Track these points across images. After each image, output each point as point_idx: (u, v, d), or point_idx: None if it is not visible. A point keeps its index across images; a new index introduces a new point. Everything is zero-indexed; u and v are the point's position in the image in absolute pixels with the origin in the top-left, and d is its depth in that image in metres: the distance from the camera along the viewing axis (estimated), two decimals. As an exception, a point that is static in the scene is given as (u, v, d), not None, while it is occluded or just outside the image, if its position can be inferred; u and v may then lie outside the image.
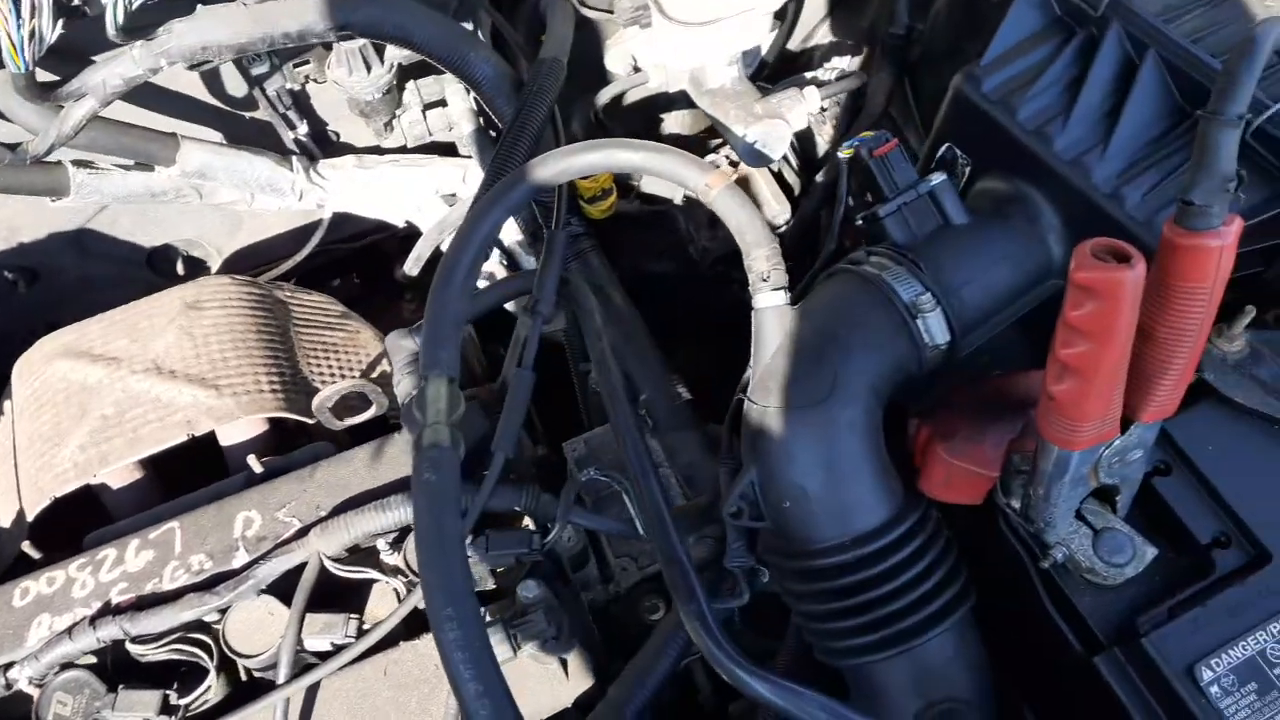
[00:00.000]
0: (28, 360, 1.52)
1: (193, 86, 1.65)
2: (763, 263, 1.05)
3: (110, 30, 1.18)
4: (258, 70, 1.58)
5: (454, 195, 1.78)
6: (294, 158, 1.72)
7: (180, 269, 1.99)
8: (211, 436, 1.39)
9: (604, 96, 1.47)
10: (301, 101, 1.71)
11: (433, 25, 1.30)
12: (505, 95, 1.33)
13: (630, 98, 1.50)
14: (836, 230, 1.16)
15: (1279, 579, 0.89)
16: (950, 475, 0.97)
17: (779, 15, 1.61)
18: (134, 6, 1.17)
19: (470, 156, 1.77)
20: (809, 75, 1.55)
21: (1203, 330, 0.80)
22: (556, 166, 1.10)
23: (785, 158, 1.80)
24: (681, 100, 1.47)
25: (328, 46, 1.56)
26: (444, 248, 1.75)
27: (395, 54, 1.55)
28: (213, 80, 1.66)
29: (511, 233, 1.71)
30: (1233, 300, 1.02)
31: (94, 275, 1.92)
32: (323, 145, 1.79)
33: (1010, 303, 1.07)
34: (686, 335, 1.71)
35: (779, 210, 1.81)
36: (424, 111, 1.68)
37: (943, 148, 1.14)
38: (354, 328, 1.60)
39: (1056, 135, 1.03)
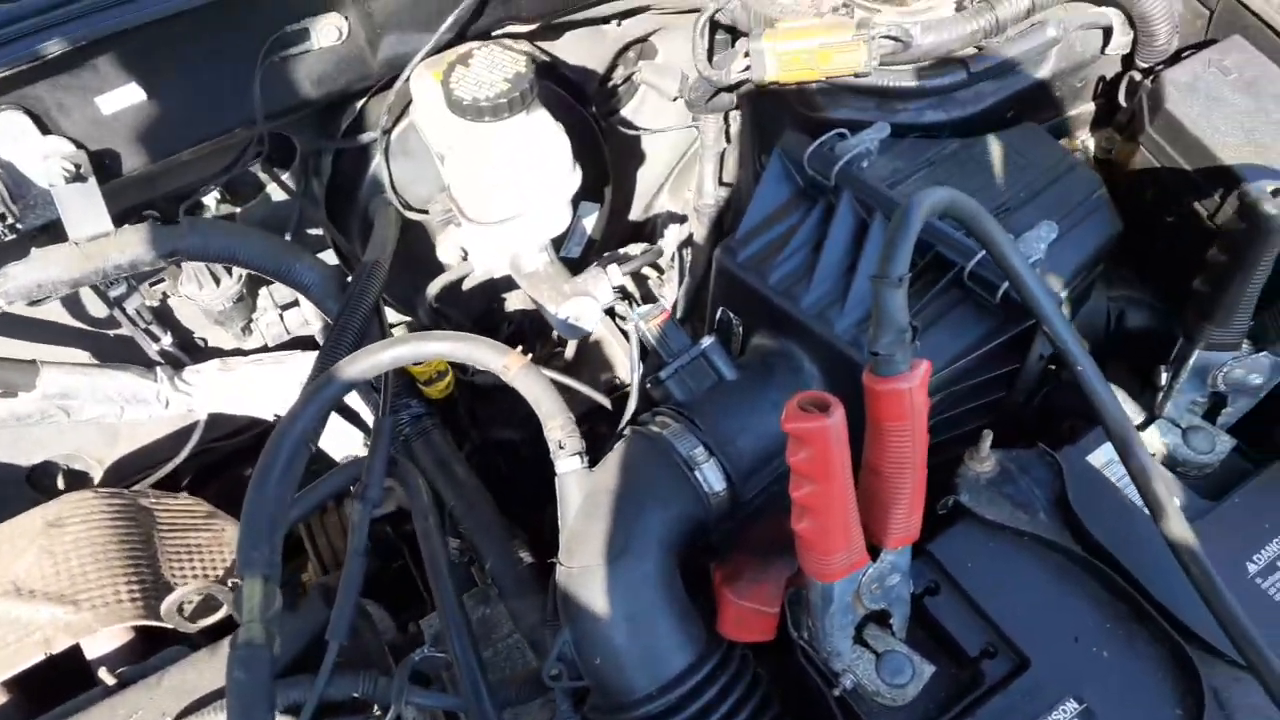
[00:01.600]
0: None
1: (54, 312, 1.67)
2: (558, 432, 1.09)
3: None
4: (115, 292, 1.61)
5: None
6: (158, 368, 1.74)
7: (61, 484, 1.97)
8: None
9: (435, 287, 1.54)
10: (162, 315, 1.75)
11: (256, 243, 1.36)
12: (332, 297, 1.39)
13: (467, 284, 1.56)
14: (635, 392, 1.21)
15: (1037, 682, 0.92)
16: (740, 615, 1.00)
17: (598, 198, 1.70)
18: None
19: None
20: (624, 251, 1.63)
21: (918, 460, 0.86)
22: (366, 363, 1.14)
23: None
24: (511, 281, 1.54)
25: (178, 264, 1.61)
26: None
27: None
28: (74, 304, 1.69)
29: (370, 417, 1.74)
30: (986, 425, 1.08)
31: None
32: (191, 352, 1.82)
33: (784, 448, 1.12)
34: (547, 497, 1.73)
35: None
36: (280, 313, 1.72)
37: (718, 311, 1.20)
38: (219, 526, 1.59)
39: (803, 294, 1.10)
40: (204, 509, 1.63)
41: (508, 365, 1.13)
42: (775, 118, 1.43)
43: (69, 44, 1.17)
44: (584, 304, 1.34)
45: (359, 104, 1.51)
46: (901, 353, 0.81)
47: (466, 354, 1.13)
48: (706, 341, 1.11)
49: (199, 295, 1.59)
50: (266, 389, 1.80)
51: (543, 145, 1.26)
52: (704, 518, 1.05)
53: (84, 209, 1.28)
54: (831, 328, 1.07)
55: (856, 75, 1.30)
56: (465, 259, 1.57)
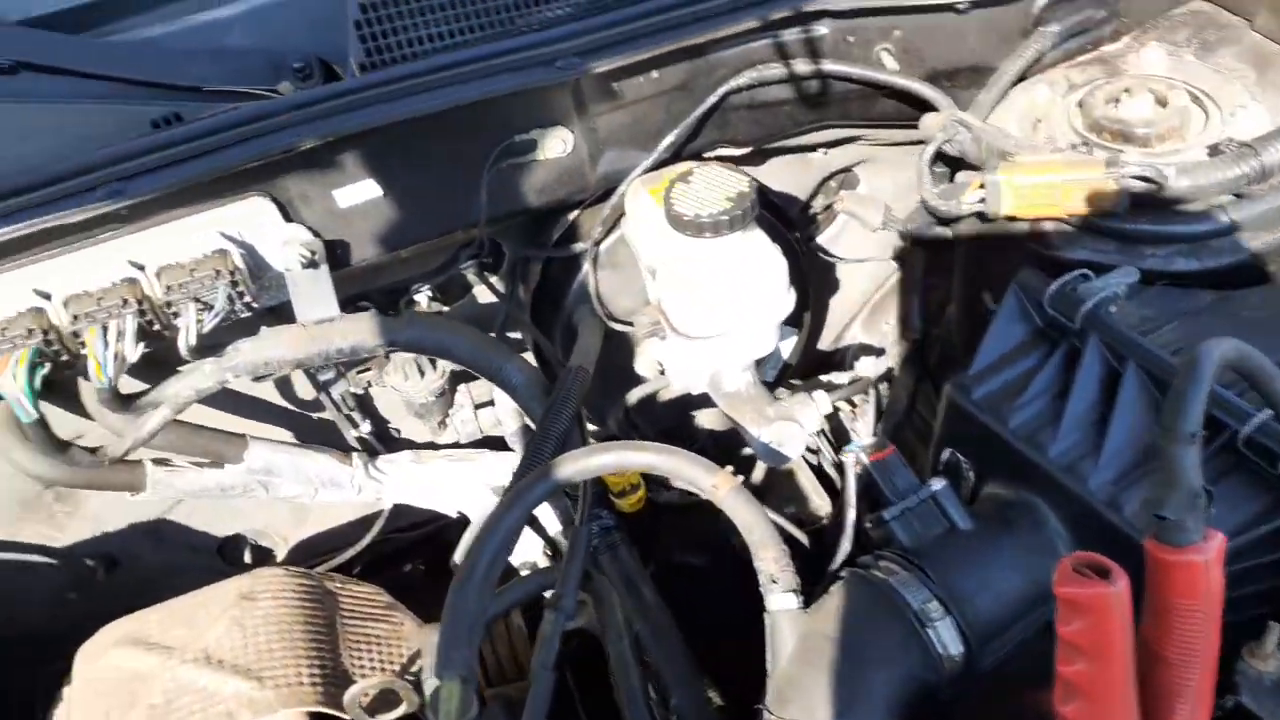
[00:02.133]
0: (88, 648, 1.51)
1: (266, 391, 1.72)
2: (771, 564, 1.02)
3: (182, 350, 1.25)
4: (324, 377, 1.64)
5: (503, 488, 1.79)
6: (355, 454, 1.75)
7: (248, 558, 2.00)
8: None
9: (633, 398, 1.50)
10: (364, 403, 1.77)
11: (470, 341, 1.36)
12: (537, 400, 1.36)
13: (661, 397, 1.52)
14: (849, 531, 1.12)
15: None
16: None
17: (796, 323, 1.65)
18: (205, 330, 1.23)
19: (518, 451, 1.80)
20: (825, 379, 1.56)
21: (1210, 649, 0.74)
22: (573, 467, 1.10)
23: (821, 452, 1.79)
24: (706, 399, 1.49)
25: (386, 356, 1.63)
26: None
27: (446, 361, 1.60)
28: (284, 385, 1.73)
29: (554, 524, 1.70)
30: (1268, 615, 0.94)
31: (169, 563, 1.93)
32: (385, 442, 1.83)
33: (1028, 611, 1.00)
34: (730, 629, 1.63)
35: (820, 504, 1.77)
36: (475, 410, 1.71)
37: (945, 452, 1.11)
38: (398, 619, 1.57)
39: (1049, 443, 1.00)
40: (384, 599, 1.61)
41: (717, 485, 1.07)
42: (1001, 254, 1.36)
43: (319, 139, 1.22)
44: (789, 430, 1.28)
45: (571, 215, 1.52)
46: (1194, 520, 0.71)
47: (674, 468, 1.08)
48: (937, 484, 1.02)
49: (404, 386, 1.61)
50: (455, 485, 1.79)
51: (760, 265, 1.22)
52: (934, 682, 0.94)
53: (314, 294, 1.32)
54: (1084, 483, 0.96)
55: (1103, 216, 1.22)
56: (662, 373, 1.53)
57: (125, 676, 1.41)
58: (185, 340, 1.25)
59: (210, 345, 1.29)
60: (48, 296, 1.23)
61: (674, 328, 1.23)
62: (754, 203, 1.22)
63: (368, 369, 1.67)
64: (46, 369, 1.23)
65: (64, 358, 1.25)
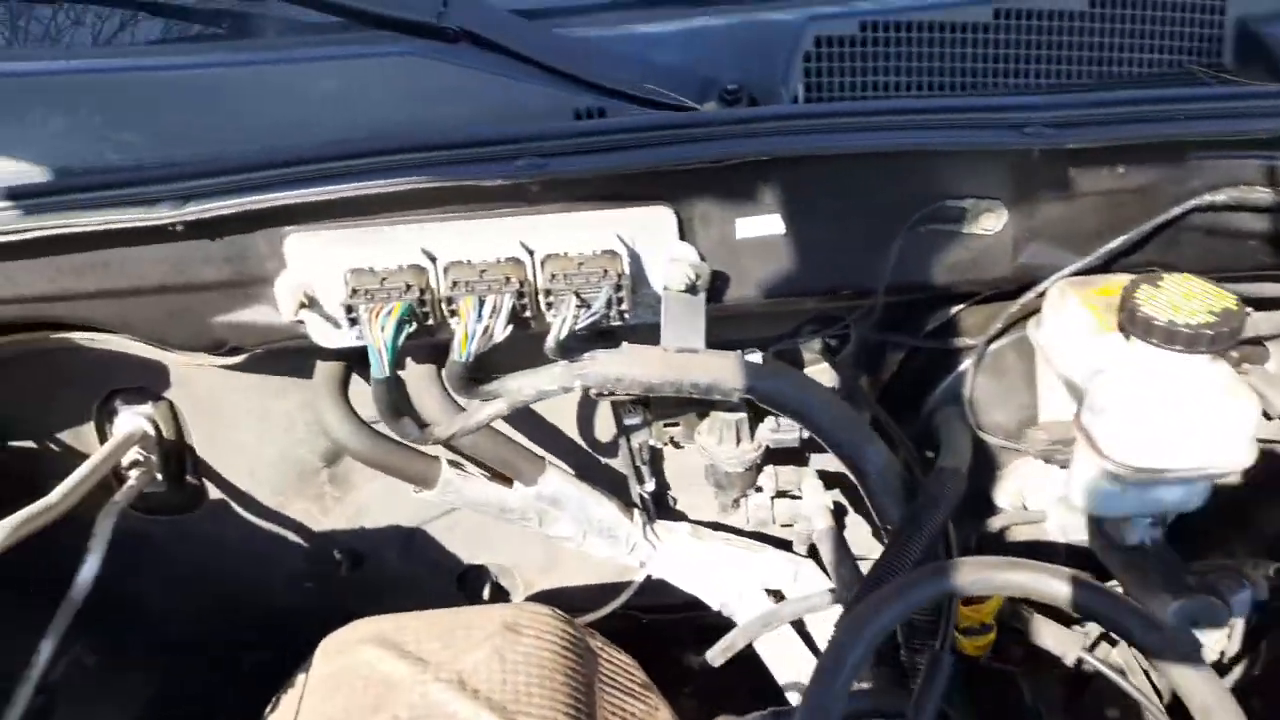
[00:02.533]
0: (338, 638, 1.42)
1: (558, 419, 1.63)
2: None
3: (550, 345, 1.16)
4: (630, 420, 1.53)
5: (779, 592, 1.61)
6: (635, 510, 1.62)
7: (486, 593, 1.89)
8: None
9: (995, 525, 1.30)
10: (655, 460, 1.65)
11: (835, 409, 1.21)
12: (892, 494, 1.19)
13: (1014, 534, 1.32)
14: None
15: None
16: None
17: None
18: (578, 328, 1.14)
19: (802, 555, 1.62)
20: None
21: None
22: (973, 575, 0.92)
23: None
24: (1076, 548, 1.27)
25: (702, 415, 1.51)
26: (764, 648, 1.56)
27: (766, 435, 1.46)
28: (582, 419, 1.64)
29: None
30: None
31: (409, 577, 1.86)
32: (659, 507, 1.70)
33: None
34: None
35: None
36: (773, 498, 1.55)
37: None
38: (654, 703, 1.40)
39: None
40: (641, 677, 1.44)
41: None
42: None
43: (748, 156, 1.13)
44: (1211, 608, 1.04)
45: (956, 307, 1.36)
46: None
47: (1107, 610, 0.87)
48: None
49: (715, 450, 1.47)
50: (728, 574, 1.62)
51: (1231, 401, 1.02)
52: None
53: (685, 321, 1.21)
54: None
55: None
56: (1024, 507, 1.32)
57: (373, 678, 1.30)
58: (555, 335, 1.16)
59: (568, 348, 1.20)
60: (433, 258, 1.19)
61: (1099, 450, 1.04)
62: (1240, 326, 1.03)
63: (676, 423, 1.55)
64: (412, 328, 1.17)
65: (429, 322, 1.19)
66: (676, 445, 1.59)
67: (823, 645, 1.52)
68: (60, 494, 1.42)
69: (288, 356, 1.49)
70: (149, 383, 1.59)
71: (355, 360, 1.48)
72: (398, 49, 1.29)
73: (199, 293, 1.26)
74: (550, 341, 1.17)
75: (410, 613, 1.43)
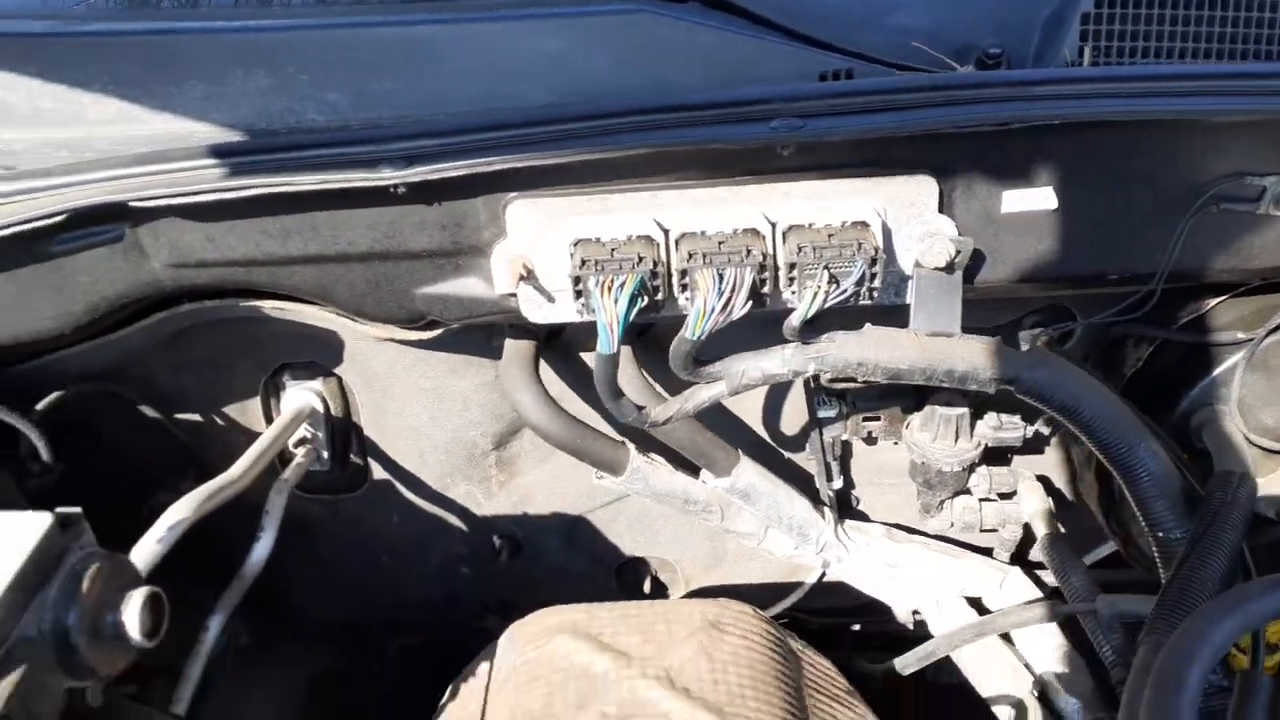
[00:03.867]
0: (526, 628, 1.33)
1: (746, 408, 1.52)
2: None
3: (793, 324, 1.06)
4: (826, 412, 1.42)
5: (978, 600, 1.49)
6: (824, 508, 1.51)
7: (646, 587, 1.80)
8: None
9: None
10: (845, 456, 1.53)
11: (1107, 405, 1.09)
12: (1168, 499, 1.07)
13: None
14: None
15: None
16: None
17: None
18: (826, 306, 1.03)
19: (1007, 563, 1.49)
20: None
21: None
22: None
23: None
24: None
25: (907, 409, 1.39)
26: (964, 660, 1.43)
27: (987, 433, 1.34)
28: (769, 410, 1.53)
29: (1046, 660, 1.37)
30: None
31: (566, 568, 1.77)
32: (842, 507, 1.58)
33: None
34: None
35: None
36: (982, 502, 1.43)
37: None
38: (861, 711, 1.28)
39: None
40: (844, 682, 1.33)
41: None
42: None
43: (1032, 121, 1.01)
44: None
45: (1215, 299, 1.23)
46: None
47: None
48: None
49: (928, 446, 1.35)
50: (925, 579, 1.50)
51: None
52: None
53: (939, 302, 1.10)
54: None
55: None
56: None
57: (572, 671, 1.21)
58: (802, 313, 1.06)
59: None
60: (665, 229, 1.09)
61: None
62: None
63: (876, 417, 1.44)
64: (644, 302, 1.07)
65: (658, 296, 1.09)
66: (870, 441, 1.48)
67: (1030, 653, 1.41)
68: (242, 468, 1.35)
69: (473, 334, 1.42)
70: (320, 358, 1.52)
71: (545, 338, 1.40)
72: (624, 6, 1.19)
73: (407, 261, 1.18)
74: (794, 320, 1.07)
75: (597, 603, 1.34)
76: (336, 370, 1.53)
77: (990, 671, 1.42)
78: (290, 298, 1.29)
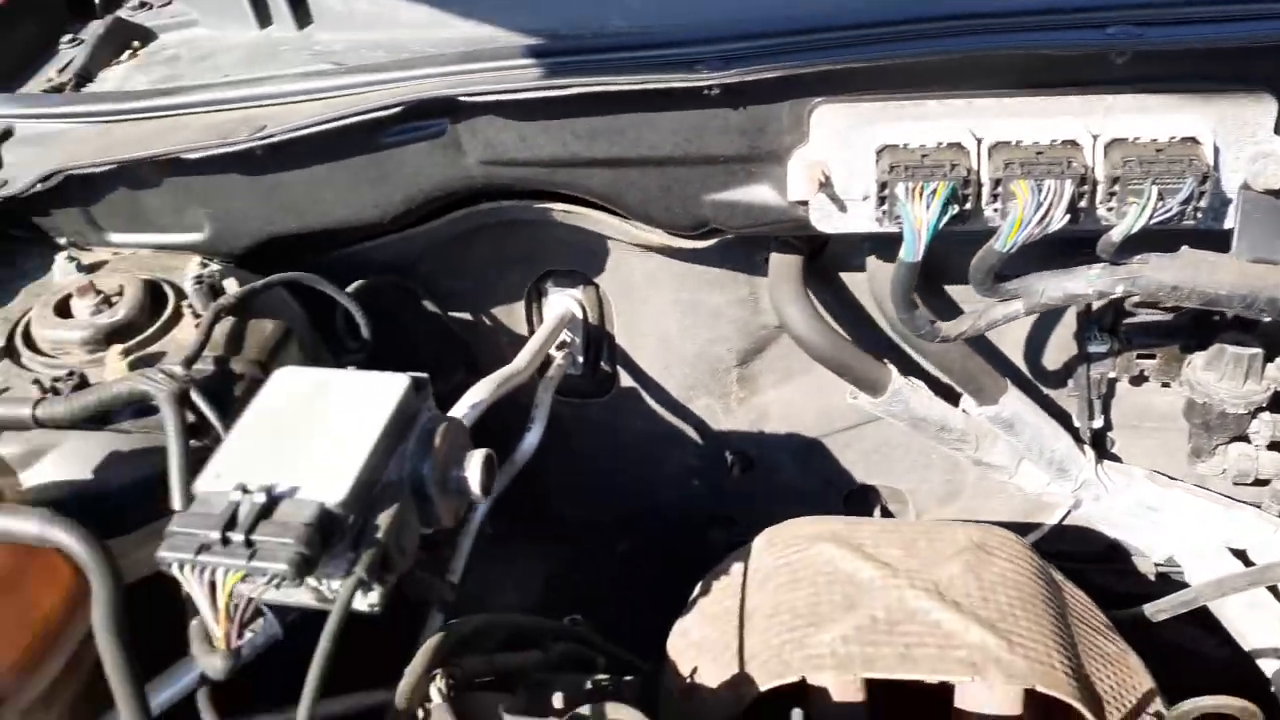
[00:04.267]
0: (781, 532, 1.36)
1: (1007, 339, 1.48)
2: None
3: (1114, 239, 1.03)
4: (1096, 348, 1.38)
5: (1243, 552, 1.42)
6: (1084, 447, 1.47)
7: (875, 516, 1.80)
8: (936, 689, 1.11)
9: None
10: (1108, 396, 1.48)
11: None
12: None
13: None
14: None
15: None
16: None
17: None
18: (1151, 223, 1.00)
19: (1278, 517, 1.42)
20: None
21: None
22: None
23: None
24: None
25: (1187, 348, 1.33)
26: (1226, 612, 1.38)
27: (1278, 376, 1.26)
28: (1037, 336, 1.48)
29: None
30: None
31: (795, 487, 1.79)
32: (1096, 448, 1.53)
33: None
34: None
35: None
36: (1261, 450, 1.36)
37: None
38: (1122, 647, 1.26)
39: None
40: (1103, 617, 1.31)
41: None
42: None
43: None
44: None
45: None
46: None
47: None
48: None
49: (1213, 386, 1.30)
50: (1188, 529, 1.45)
51: None
52: None
53: (1265, 227, 1.05)
54: None
55: None
56: None
57: (838, 575, 1.24)
58: (1124, 229, 1.03)
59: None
60: (978, 138, 1.07)
61: None
62: None
63: (1152, 355, 1.38)
64: (954, 210, 1.06)
65: (967, 206, 1.08)
66: (1137, 381, 1.43)
67: None
68: (525, 361, 1.44)
69: (735, 249, 1.44)
70: (584, 266, 1.58)
71: (816, 250, 1.41)
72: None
73: (702, 167, 1.21)
74: (1115, 236, 1.04)
75: (853, 517, 1.36)
76: (597, 279, 1.59)
77: (1256, 624, 1.36)
78: (580, 201, 1.34)
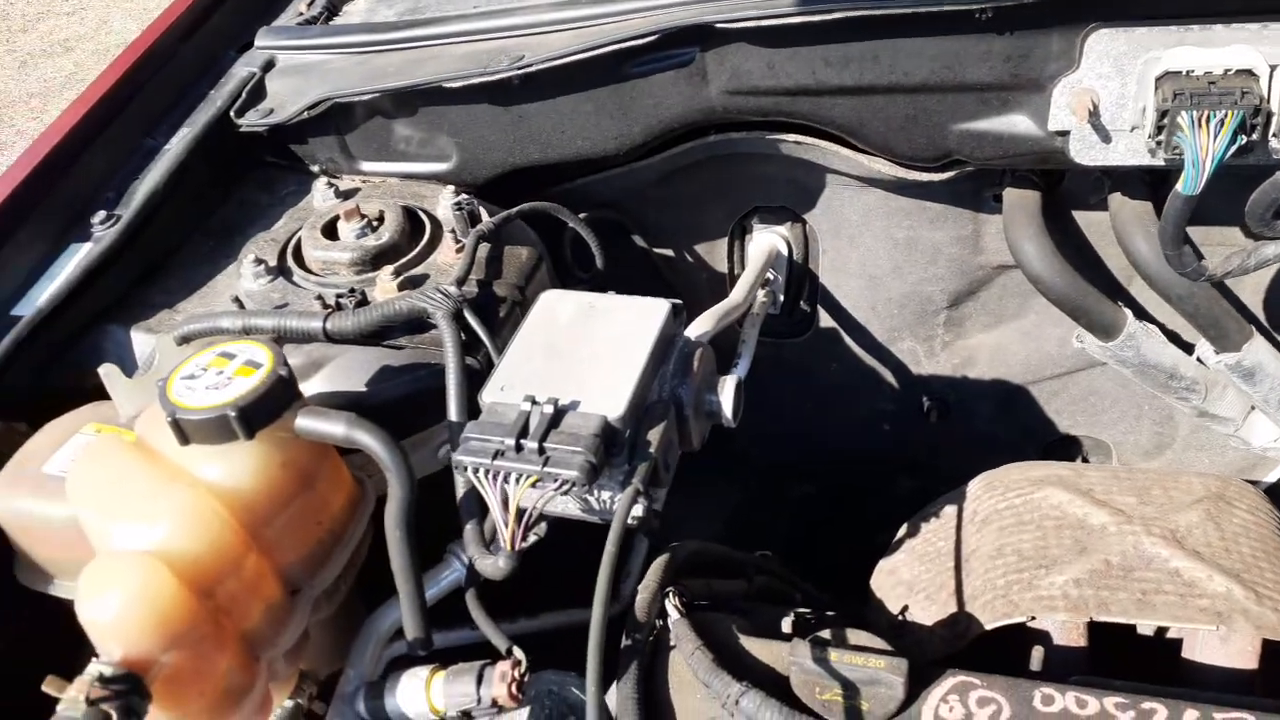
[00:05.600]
0: (1002, 476, 1.32)
1: (1247, 285, 1.40)
2: None
3: None
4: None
5: None
6: (1333, 402, 1.38)
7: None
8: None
9: None
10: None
11: None
12: None
13: None
14: None
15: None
16: None
17: None
18: None
19: None
20: None
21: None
22: None
23: None
24: None
25: None
26: None
27: None
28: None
29: None
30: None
31: (992, 436, 1.74)
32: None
33: None
34: None
35: None
36: None
37: None
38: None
39: None
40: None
41: None
42: None
43: None
44: None
45: None
46: None
47: None
48: None
49: None
50: None
51: None
52: None
53: None
54: None
55: None
56: None
57: (1066, 520, 1.20)
58: None
59: None
60: (1271, 66, 1.00)
61: None
62: None
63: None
64: (1242, 141, 1.00)
65: (1254, 137, 1.01)
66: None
67: None
68: (741, 295, 1.42)
69: (963, 184, 1.39)
70: (794, 203, 1.56)
71: (1051, 186, 1.35)
72: None
73: (954, 95, 1.17)
74: None
75: (1071, 463, 1.32)
76: (806, 216, 1.56)
77: None
78: (813, 133, 1.31)
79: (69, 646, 1.04)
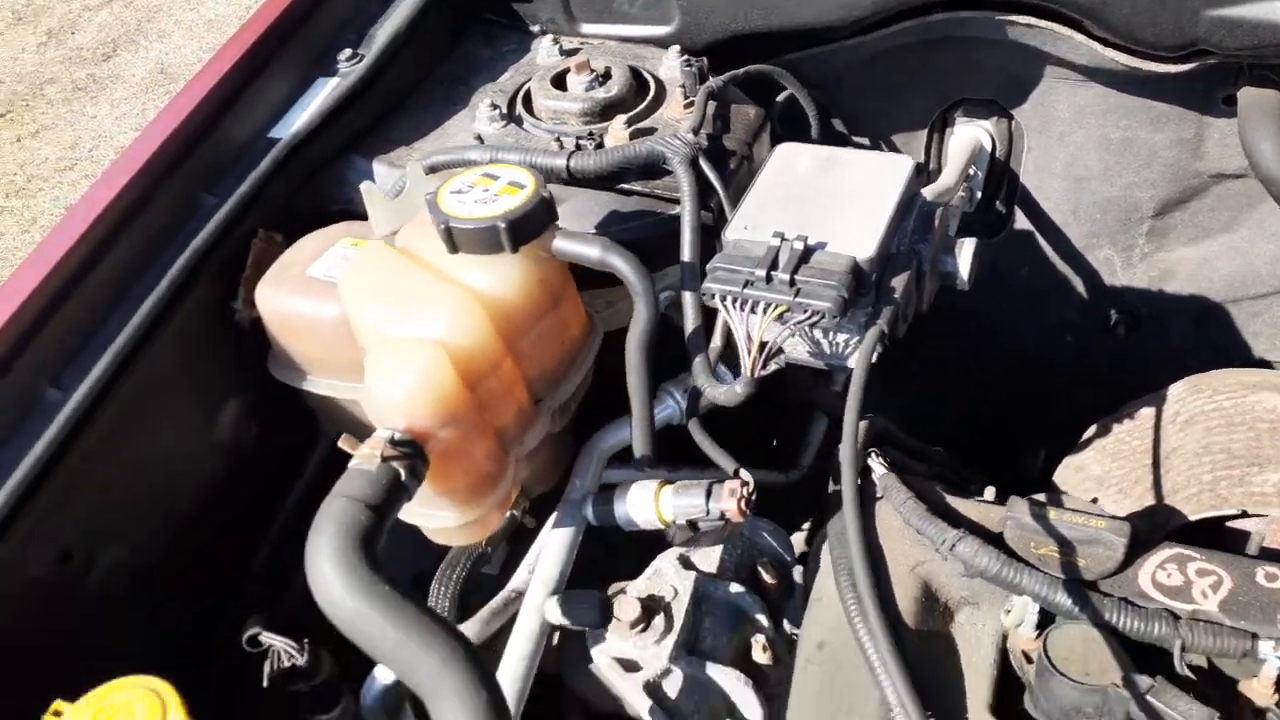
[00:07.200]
0: (1210, 380, 1.32)
1: None
2: None
3: None
4: None
5: None
6: None
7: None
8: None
9: None
10: None
11: None
12: None
13: None
14: None
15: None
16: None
17: None
18: None
19: None
20: None
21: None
22: None
23: None
24: None
25: None
26: None
27: None
28: None
29: None
30: None
31: (1182, 355, 1.70)
32: None
33: None
34: None
35: None
36: None
37: None
38: None
39: None
40: None
41: None
42: None
43: None
44: None
45: None
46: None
47: None
48: None
49: None
50: None
51: None
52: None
53: None
54: None
55: None
56: None
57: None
58: None
59: None
60: None
61: None
62: None
63: None
64: None
65: None
66: None
67: None
68: (948, 183, 1.43)
69: (1195, 83, 1.35)
70: (1003, 96, 1.53)
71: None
72: None
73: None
74: None
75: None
76: (1014, 110, 1.54)
77: None
78: (1051, 15, 1.30)
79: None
